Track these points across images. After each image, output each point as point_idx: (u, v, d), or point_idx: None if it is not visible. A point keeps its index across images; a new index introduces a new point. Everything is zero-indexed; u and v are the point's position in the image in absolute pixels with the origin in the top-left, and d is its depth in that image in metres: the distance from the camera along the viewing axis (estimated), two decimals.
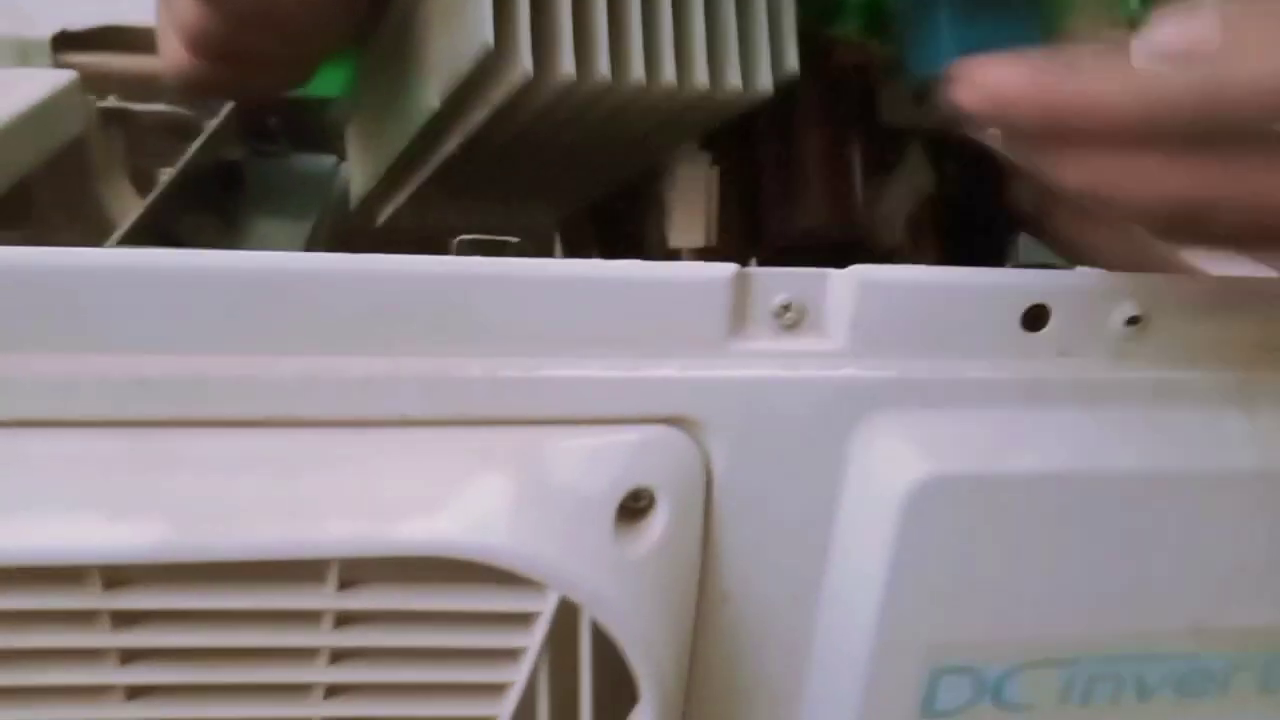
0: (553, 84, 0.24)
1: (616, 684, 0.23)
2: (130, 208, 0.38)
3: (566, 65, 0.24)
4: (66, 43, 0.41)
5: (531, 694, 0.22)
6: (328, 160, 0.41)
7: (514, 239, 0.24)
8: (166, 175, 0.34)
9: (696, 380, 0.23)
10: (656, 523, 0.23)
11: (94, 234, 0.36)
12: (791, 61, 0.27)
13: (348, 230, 0.37)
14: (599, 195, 0.33)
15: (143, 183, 0.38)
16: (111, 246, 0.30)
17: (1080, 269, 0.24)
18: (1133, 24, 0.32)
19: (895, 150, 0.35)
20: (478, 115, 0.26)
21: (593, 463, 0.22)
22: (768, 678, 0.27)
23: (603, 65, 0.24)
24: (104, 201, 0.36)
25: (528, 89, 0.24)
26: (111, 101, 0.38)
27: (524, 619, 0.22)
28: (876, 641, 0.25)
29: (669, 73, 0.25)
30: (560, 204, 0.33)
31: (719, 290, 0.23)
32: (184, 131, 0.38)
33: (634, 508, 0.23)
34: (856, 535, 0.25)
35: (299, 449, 0.21)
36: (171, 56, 0.28)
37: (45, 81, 0.34)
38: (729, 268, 0.23)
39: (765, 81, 0.26)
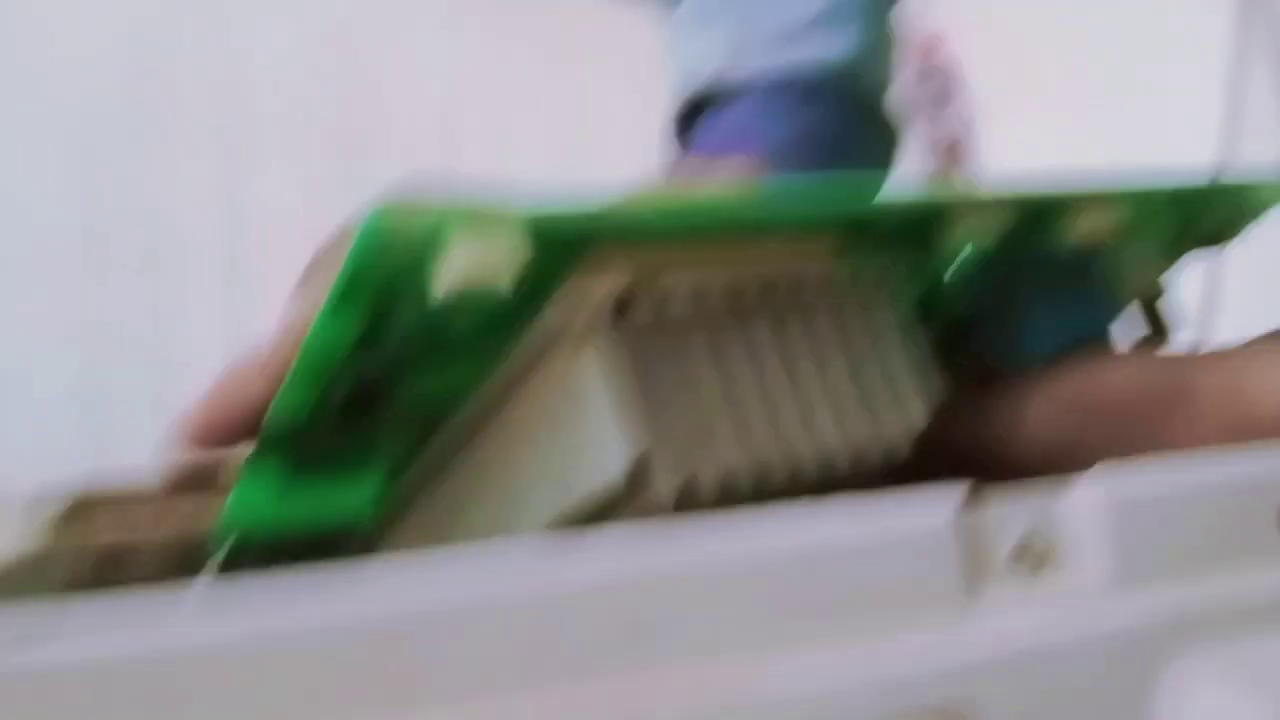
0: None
1: None
2: None
3: (729, 464, 0.20)
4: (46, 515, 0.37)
5: None
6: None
7: None
8: None
9: (943, 665, 0.18)
10: None
11: None
12: (938, 391, 0.24)
13: None
14: None
15: None
16: None
17: None
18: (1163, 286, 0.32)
19: None
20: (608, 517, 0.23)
21: None
22: None
23: (770, 453, 0.21)
24: None
25: None
26: (97, 559, 0.33)
27: None
28: None
29: (830, 436, 0.22)
30: None
31: (942, 539, 0.18)
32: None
33: None
34: None
35: None
36: None
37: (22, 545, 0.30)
38: (946, 506, 0.18)
39: (918, 413, 0.23)
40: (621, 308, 0.20)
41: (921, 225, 0.23)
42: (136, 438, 0.99)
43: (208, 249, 1.07)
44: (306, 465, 0.26)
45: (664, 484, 0.20)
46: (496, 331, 0.23)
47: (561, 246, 0.20)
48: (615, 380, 0.20)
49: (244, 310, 1.07)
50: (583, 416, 0.20)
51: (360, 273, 0.20)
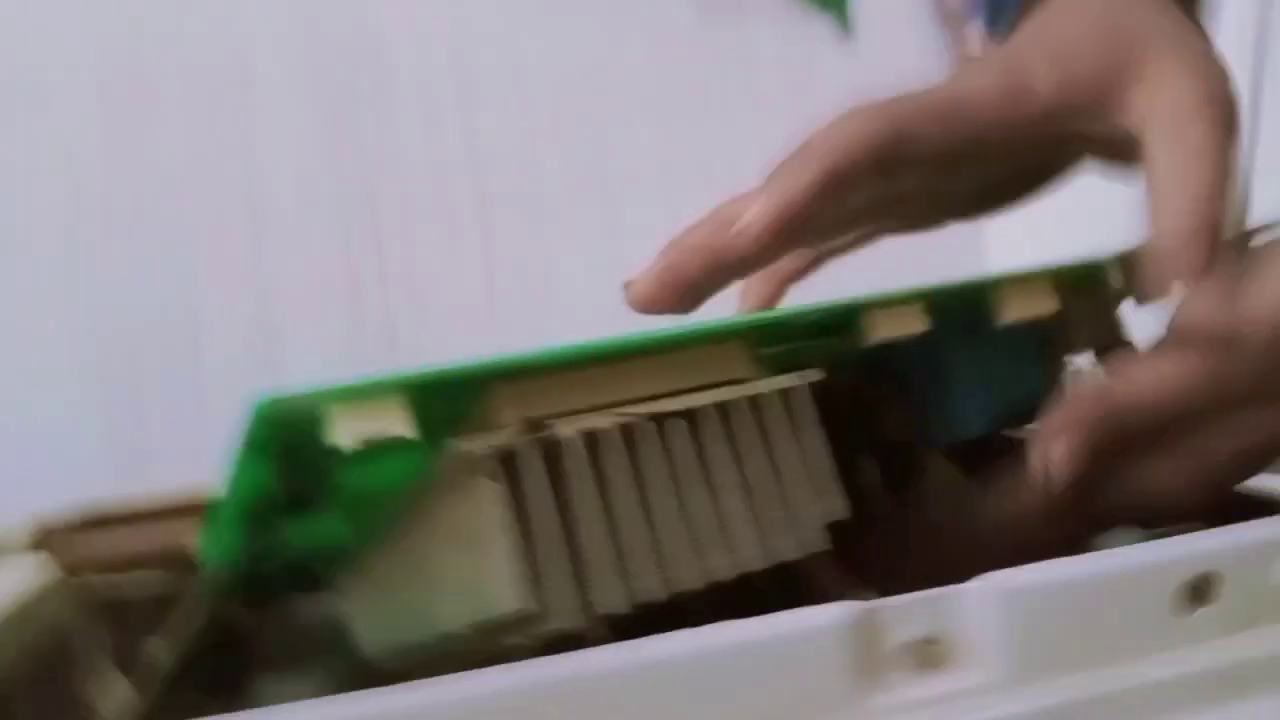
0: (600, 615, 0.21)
1: None
2: (120, 695, 0.33)
3: (615, 598, 0.21)
4: (44, 534, 0.39)
5: None
6: (330, 600, 0.37)
7: None
8: (154, 646, 0.30)
9: None
10: None
11: None
12: (839, 505, 0.24)
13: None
14: None
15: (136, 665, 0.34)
16: None
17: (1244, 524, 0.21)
18: None
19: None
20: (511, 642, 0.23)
21: None
22: None
23: (653, 583, 0.22)
24: (90, 695, 0.32)
25: None
26: (94, 580, 0.34)
27: None
28: None
29: (722, 564, 0.22)
30: None
31: (842, 637, 0.19)
32: (178, 602, 0.35)
33: None
34: None
35: None
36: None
37: (20, 570, 0.31)
38: (848, 608, 0.19)
39: (816, 537, 0.24)
40: (512, 455, 0.21)
41: (839, 326, 0.24)
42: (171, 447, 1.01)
43: (227, 210, 1.08)
44: (265, 522, 0.27)
45: (568, 610, 0.21)
46: (405, 458, 0.23)
47: (449, 402, 0.21)
48: (509, 525, 0.21)
49: (262, 275, 1.09)
50: (485, 551, 0.21)
51: (257, 444, 0.21)
